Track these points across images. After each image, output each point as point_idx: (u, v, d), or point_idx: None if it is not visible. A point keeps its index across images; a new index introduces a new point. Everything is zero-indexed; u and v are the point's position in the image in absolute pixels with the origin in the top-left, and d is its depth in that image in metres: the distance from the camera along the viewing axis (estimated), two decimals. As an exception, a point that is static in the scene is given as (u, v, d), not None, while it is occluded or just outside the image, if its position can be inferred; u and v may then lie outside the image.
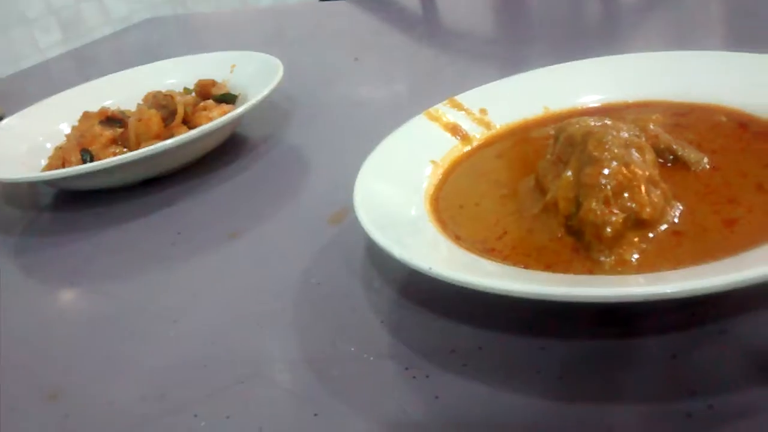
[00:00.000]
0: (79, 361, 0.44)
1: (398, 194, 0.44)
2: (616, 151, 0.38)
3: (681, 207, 0.39)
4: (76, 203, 0.66)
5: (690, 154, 0.43)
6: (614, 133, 0.40)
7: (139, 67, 0.84)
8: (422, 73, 0.81)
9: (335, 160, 0.63)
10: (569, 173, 0.38)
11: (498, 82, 0.55)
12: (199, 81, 0.75)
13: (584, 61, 0.55)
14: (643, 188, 0.37)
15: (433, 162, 0.49)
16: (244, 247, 0.53)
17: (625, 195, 0.37)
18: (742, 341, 0.34)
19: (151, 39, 1.34)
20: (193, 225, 0.58)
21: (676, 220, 0.38)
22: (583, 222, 0.37)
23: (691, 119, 0.48)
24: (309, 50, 0.99)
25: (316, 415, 0.35)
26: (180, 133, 0.66)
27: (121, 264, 0.55)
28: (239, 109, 0.64)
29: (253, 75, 0.76)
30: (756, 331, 0.34)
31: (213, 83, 0.75)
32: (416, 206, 0.44)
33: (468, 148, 0.50)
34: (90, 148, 0.66)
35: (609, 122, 0.41)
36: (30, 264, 0.58)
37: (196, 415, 0.37)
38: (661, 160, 0.42)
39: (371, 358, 0.38)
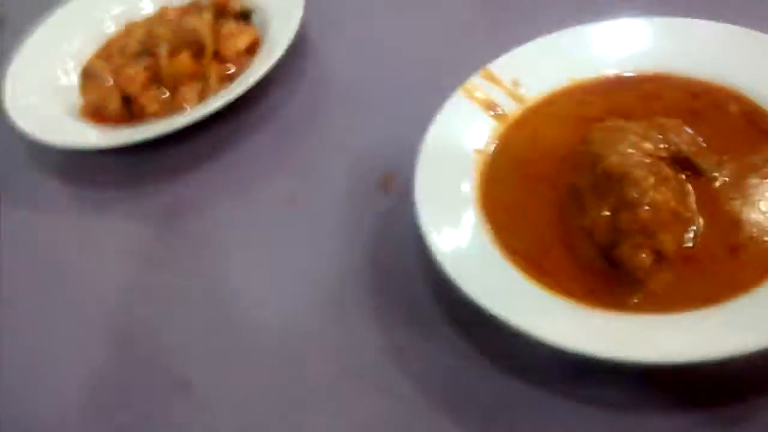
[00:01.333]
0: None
1: (453, 201, 0.51)
2: (650, 194, 0.45)
3: (696, 225, 0.47)
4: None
5: (705, 163, 0.50)
6: (642, 163, 0.46)
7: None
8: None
9: (380, 104, 0.67)
10: (607, 213, 0.46)
11: (526, 46, 0.59)
12: (216, 2, 0.75)
13: (606, 23, 0.58)
14: (668, 230, 0.45)
15: (477, 152, 0.55)
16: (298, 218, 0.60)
17: (654, 235, 0.45)
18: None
19: None
20: (247, 181, 0.65)
21: (691, 244, 0.46)
22: (619, 260, 0.45)
23: (704, 103, 0.54)
24: None
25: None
26: (213, 69, 0.69)
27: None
28: (275, 57, 0.66)
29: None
30: None
31: (227, 1, 0.75)
32: (471, 214, 0.51)
33: (505, 128, 0.56)
34: (129, 92, 0.69)
35: (634, 148, 0.47)
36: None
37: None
38: (680, 170, 0.49)
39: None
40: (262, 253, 0.59)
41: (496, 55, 0.59)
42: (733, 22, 0.56)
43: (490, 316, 0.43)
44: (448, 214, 0.50)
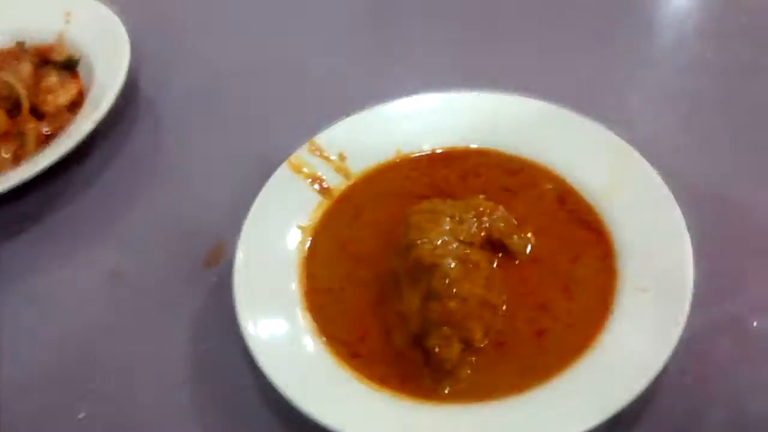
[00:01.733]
0: None
1: (276, 290, 0.50)
2: (457, 285, 0.46)
3: (505, 309, 0.48)
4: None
5: (517, 242, 0.51)
6: (453, 251, 0.47)
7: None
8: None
9: (212, 166, 0.65)
10: (417, 301, 0.46)
11: (352, 118, 0.59)
12: (37, 47, 0.70)
13: (433, 96, 0.59)
14: (476, 317, 0.46)
15: (301, 228, 0.54)
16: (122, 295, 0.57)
17: (462, 325, 0.46)
18: None
19: None
20: (71, 249, 0.61)
21: (500, 330, 0.47)
22: (427, 351, 0.46)
23: (521, 180, 0.55)
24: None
25: None
26: (28, 126, 0.65)
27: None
28: (100, 113, 0.63)
29: (93, 30, 0.72)
30: None
31: (52, 48, 0.71)
32: (293, 303, 0.50)
33: (329, 203, 0.56)
34: (-64, 151, 0.64)
35: (447, 234, 0.48)
36: None
37: None
38: (492, 253, 0.51)
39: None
40: (85, 334, 0.56)
41: (326, 120, 0.59)
42: (554, 100, 0.58)
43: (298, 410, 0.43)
44: (267, 299, 0.50)
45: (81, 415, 0.50)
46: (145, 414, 0.50)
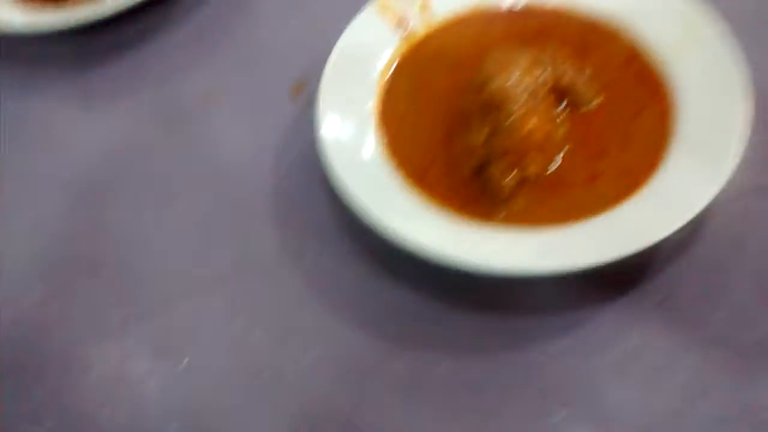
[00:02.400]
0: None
1: (355, 112, 0.55)
2: (522, 121, 0.50)
3: (564, 151, 0.52)
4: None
5: (584, 92, 0.54)
6: (522, 92, 0.51)
7: None
8: None
9: (304, 6, 0.69)
10: (484, 133, 0.51)
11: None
12: None
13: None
14: (534, 154, 0.50)
15: (382, 66, 0.58)
16: (213, 116, 0.63)
17: (523, 158, 0.50)
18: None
19: None
20: (168, 72, 0.67)
21: (556, 167, 0.52)
22: (488, 179, 0.50)
23: (594, 38, 0.58)
24: None
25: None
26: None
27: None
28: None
29: None
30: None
31: None
32: (368, 125, 0.55)
33: (411, 46, 0.59)
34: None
35: (520, 77, 0.51)
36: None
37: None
38: (559, 99, 0.54)
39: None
40: (179, 148, 0.62)
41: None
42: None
43: (369, 221, 0.49)
44: (346, 123, 0.55)
45: (175, 206, 0.58)
46: (227, 219, 0.57)
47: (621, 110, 0.54)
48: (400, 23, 0.60)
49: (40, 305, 0.55)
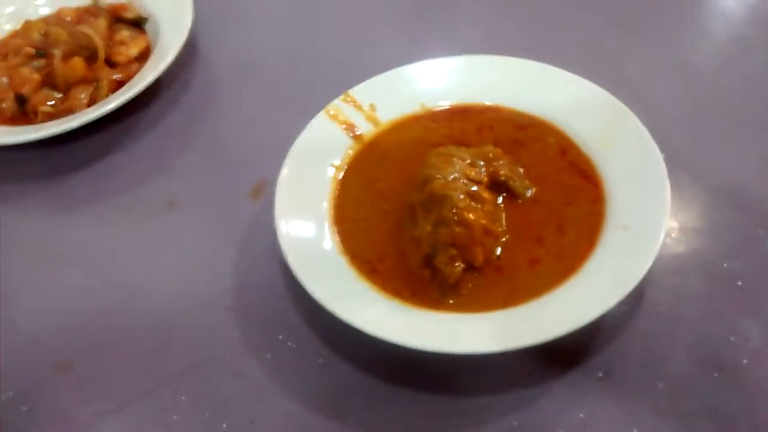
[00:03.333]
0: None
1: (310, 210, 0.59)
2: (464, 214, 0.54)
3: (505, 240, 0.56)
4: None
5: (519, 185, 0.59)
6: (462, 186, 0.55)
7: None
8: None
9: (259, 114, 0.74)
10: (429, 227, 0.54)
11: (384, 75, 0.67)
12: (111, 6, 0.80)
13: (455, 58, 0.67)
14: (479, 243, 0.54)
15: (334, 165, 0.63)
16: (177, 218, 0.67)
17: (466, 248, 0.54)
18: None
19: None
20: (133, 181, 0.71)
21: (498, 255, 0.55)
22: (436, 268, 0.54)
23: (528, 134, 0.63)
24: None
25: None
26: (104, 75, 0.75)
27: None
28: (163, 65, 0.72)
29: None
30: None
31: (124, 7, 0.80)
32: (323, 223, 0.59)
33: (360, 148, 0.64)
34: (23, 92, 0.73)
35: (459, 173, 0.56)
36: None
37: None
38: (497, 193, 0.58)
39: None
40: (144, 250, 0.65)
41: (361, 79, 0.67)
42: (556, 63, 0.65)
43: (325, 310, 0.51)
44: (302, 221, 0.58)
45: (140, 305, 0.60)
46: (191, 316, 0.60)
47: (555, 199, 0.58)
48: (350, 127, 0.65)
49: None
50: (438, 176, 0.56)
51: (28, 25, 0.80)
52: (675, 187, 0.55)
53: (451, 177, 0.56)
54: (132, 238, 0.66)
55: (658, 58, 0.73)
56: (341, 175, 0.62)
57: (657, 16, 0.78)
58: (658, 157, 0.57)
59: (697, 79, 0.71)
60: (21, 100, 0.73)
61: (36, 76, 0.74)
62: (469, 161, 0.58)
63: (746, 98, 0.69)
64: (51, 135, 0.69)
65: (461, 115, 0.65)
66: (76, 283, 0.63)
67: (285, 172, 0.60)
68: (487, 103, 0.65)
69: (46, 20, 0.80)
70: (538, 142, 0.62)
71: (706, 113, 0.68)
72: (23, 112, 0.73)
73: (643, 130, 0.58)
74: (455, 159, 0.58)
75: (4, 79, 0.74)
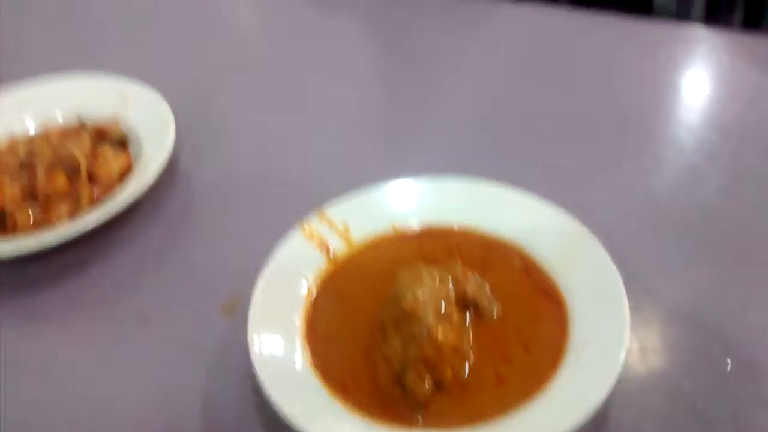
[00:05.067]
0: None
1: (283, 328, 0.60)
2: (433, 332, 0.56)
3: (473, 358, 0.58)
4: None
5: (487, 304, 0.61)
6: (432, 305, 0.57)
7: (29, 87, 0.90)
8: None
9: (236, 231, 0.76)
10: (399, 345, 0.56)
11: (357, 195, 0.70)
12: (96, 126, 0.83)
13: (426, 180, 0.71)
14: (448, 362, 0.55)
15: (308, 283, 0.64)
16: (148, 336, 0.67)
17: (435, 367, 0.55)
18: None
19: None
20: (107, 298, 0.72)
21: (466, 374, 0.57)
22: (405, 386, 0.55)
23: (495, 256, 0.66)
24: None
25: None
26: (85, 191, 0.77)
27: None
28: (143, 185, 0.75)
29: (144, 113, 0.85)
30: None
31: (108, 127, 0.84)
32: (295, 340, 0.60)
33: (333, 266, 0.66)
34: (4, 206, 0.75)
35: (429, 291, 0.58)
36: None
37: None
38: (465, 311, 0.61)
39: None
40: (112, 365, 0.65)
41: (335, 195, 0.70)
42: (522, 186, 0.69)
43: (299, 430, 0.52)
44: (275, 339, 0.59)
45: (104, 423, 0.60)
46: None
47: (521, 318, 0.61)
48: (323, 245, 0.67)
49: None
50: (408, 295, 0.58)
51: (14, 143, 0.83)
52: (634, 306, 0.58)
53: (422, 296, 0.58)
54: (101, 352, 0.67)
55: (617, 184, 0.78)
56: (314, 292, 0.64)
57: (616, 144, 0.83)
58: (617, 277, 0.59)
59: (653, 204, 0.75)
60: (1, 214, 0.75)
61: (18, 191, 0.76)
62: (438, 280, 0.60)
63: (700, 223, 0.73)
64: (31, 251, 0.71)
65: (431, 236, 0.68)
66: (41, 396, 0.63)
67: (258, 290, 0.62)
68: (455, 224, 0.69)
69: (31, 140, 0.84)
70: (504, 263, 0.65)
71: (663, 236, 0.72)
72: (3, 226, 0.75)
73: (603, 252, 0.62)
74: (425, 278, 0.60)
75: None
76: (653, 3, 1.21)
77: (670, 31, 1.01)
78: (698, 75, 0.96)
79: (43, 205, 0.76)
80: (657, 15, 1.18)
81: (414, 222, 0.69)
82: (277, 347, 0.59)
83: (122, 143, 0.83)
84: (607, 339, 0.56)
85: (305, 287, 0.64)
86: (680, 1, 1.26)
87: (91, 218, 0.72)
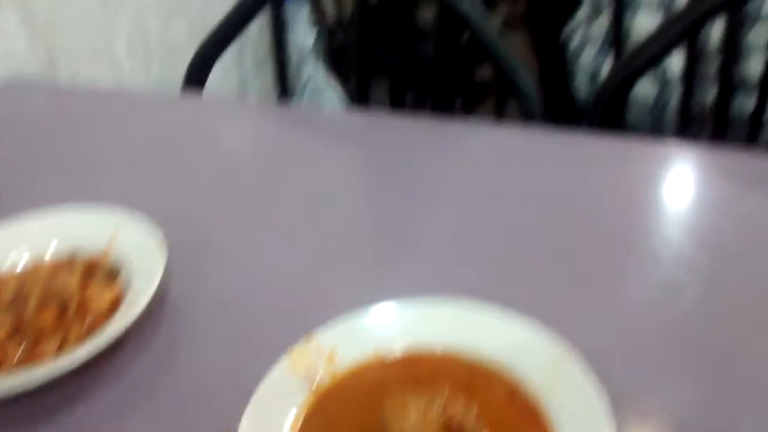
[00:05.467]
0: None
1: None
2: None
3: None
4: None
5: (473, 428, 0.61)
6: (421, 429, 0.58)
7: (21, 222, 0.92)
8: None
9: (227, 362, 0.76)
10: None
11: (342, 319, 0.71)
12: (86, 260, 0.85)
13: (410, 304, 0.72)
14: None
15: (295, 414, 0.64)
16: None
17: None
18: None
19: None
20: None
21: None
22: None
23: (478, 380, 0.66)
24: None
25: None
26: (73, 327, 0.78)
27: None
28: (130, 318, 0.76)
29: (136, 244, 0.87)
30: None
31: (98, 260, 0.86)
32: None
33: (319, 395, 0.67)
34: (-10, 342, 0.76)
35: (414, 422, 0.58)
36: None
37: None
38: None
39: None
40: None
41: (323, 321, 0.71)
42: (504, 303, 0.71)
43: None
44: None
45: None
46: None
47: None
48: (310, 373, 0.67)
49: None
50: (395, 424, 0.58)
51: (4, 280, 0.85)
52: (620, 425, 0.58)
53: (408, 425, 0.58)
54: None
55: (599, 300, 0.79)
56: (300, 421, 0.64)
57: (596, 260, 0.85)
58: (602, 399, 0.60)
59: (633, 319, 0.76)
60: (-12, 351, 0.75)
61: (6, 326, 0.77)
62: (425, 408, 0.61)
63: (681, 337, 0.74)
64: (18, 390, 0.71)
65: (416, 362, 0.69)
66: None
67: (245, 422, 0.62)
68: (440, 349, 0.69)
69: (21, 275, 0.85)
70: (489, 387, 0.66)
71: (646, 351, 0.72)
72: (-12, 363, 0.75)
73: (586, 372, 0.62)
74: (411, 409, 0.60)
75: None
76: (626, 120, 1.27)
77: (643, 147, 1.05)
78: (673, 188, 0.99)
79: (31, 339, 0.76)
80: (630, 131, 1.24)
81: (399, 345, 0.70)
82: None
83: (112, 276, 0.84)
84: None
85: (291, 418, 0.64)
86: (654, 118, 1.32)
87: (79, 354, 0.73)
